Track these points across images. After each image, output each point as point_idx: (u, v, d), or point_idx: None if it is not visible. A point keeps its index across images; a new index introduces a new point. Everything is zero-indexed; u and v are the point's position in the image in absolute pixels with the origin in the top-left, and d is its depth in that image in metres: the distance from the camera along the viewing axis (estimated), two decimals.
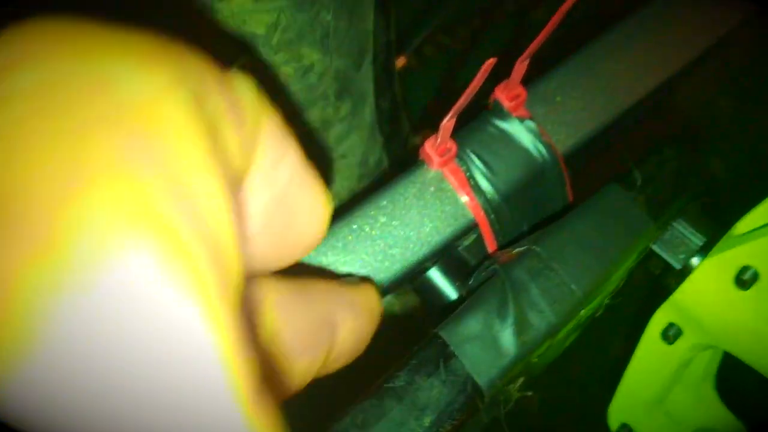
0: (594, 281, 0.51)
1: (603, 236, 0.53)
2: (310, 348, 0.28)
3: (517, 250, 0.53)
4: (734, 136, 1.73)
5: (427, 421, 0.44)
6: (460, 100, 0.54)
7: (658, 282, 0.61)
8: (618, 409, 0.68)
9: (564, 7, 0.56)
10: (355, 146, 0.72)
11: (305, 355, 0.28)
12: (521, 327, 0.48)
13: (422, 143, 0.60)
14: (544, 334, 0.49)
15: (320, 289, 0.31)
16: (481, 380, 0.46)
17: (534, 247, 0.52)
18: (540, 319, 0.49)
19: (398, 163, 0.90)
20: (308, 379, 0.29)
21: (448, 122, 0.56)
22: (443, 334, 0.47)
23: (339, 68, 0.63)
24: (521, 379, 0.54)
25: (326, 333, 0.29)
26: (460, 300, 0.56)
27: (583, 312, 0.51)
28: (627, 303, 0.62)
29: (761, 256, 0.53)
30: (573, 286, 0.51)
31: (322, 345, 0.29)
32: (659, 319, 0.61)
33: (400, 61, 0.88)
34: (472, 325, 0.48)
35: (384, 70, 0.73)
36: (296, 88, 0.61)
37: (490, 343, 0.48)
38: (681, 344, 0.60)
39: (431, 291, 0.62)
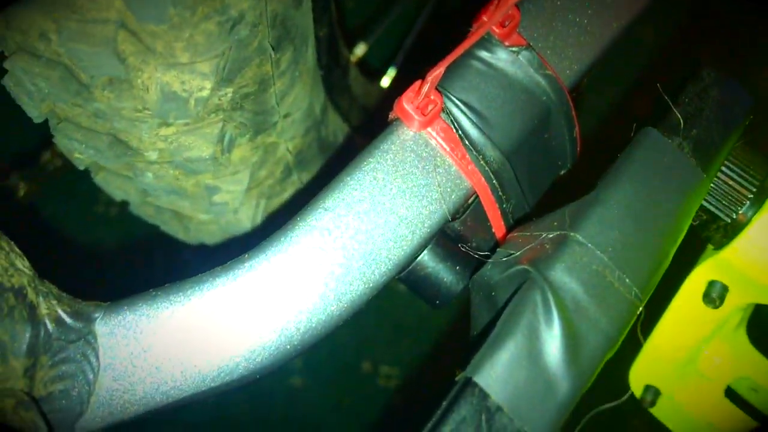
0: (651, 266, 0.40)
1: (653, 202, 0.41)
2: None
3: (549, 234, 0.41)
4: None
5: None
6: (453, 54, 0.40)
7: (698, 233, 0.51)
8: (640, 372, 0.59)
9: None
10: (300, 98, 0.56)
11: None
12: (573, 347, 0.37)
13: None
14: (602, 351, 0.38)
15: None
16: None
17: (572, 233, 0.39)
18: (594, 332, 0.38)
19: (341, 93, 0.74)
20: None
21: (434, 75, 0.42)
22: (478, 379, 0.35)
23: (276, 11, 0.47)
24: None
25: None
26: (489, 318, 0.44)
27: (642, 308, 0.40)
28: None
29: None
30: (627, 281, 0.39)
31: None
32: (698, 278, 0.51)
33: None
34: (511, 360, 0.36)
35: None
36: (222, 47, 0.45)
37: (540, 379, 0.36)
38: (726, 305, 0.51)
39: (425, 281, 0.49)
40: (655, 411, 0.60)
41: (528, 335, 0.37)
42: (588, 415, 0.39)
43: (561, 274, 0.38)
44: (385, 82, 0.94)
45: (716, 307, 0.50)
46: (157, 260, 0.64)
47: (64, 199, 1.00)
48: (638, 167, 0.42)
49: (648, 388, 0.59)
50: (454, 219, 0.50)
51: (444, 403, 0.35)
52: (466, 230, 0.51)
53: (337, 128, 0.70)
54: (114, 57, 0.42)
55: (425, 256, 0.49)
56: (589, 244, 0.39)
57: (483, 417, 0.35)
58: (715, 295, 0.50)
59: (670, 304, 0.54)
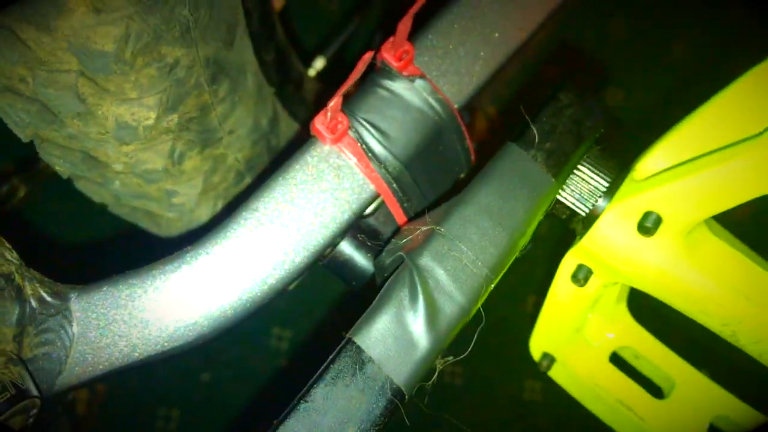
0: (500, 253, 0.51)
1: (506, 203, 0.52)
2: None
3: (423, 228, 0.52)
4: (629, 63, 1.75)
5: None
6: (345, 84, 0.51)
7: (565, 226, 0.61)
8: (538, 342, 0.70)
9: None
10: (243, 117, 0.67)
11: None
12: (432, 316, 0.48)
13: (315, 111, 0.57)
14: (456, 318, 0.49)
15: None
16: (399, 380, 0.46)
17: (438, 228, 0.51)
18: (450, 304, 0.49)
19: (297, 103, 0.85)
20: None
21: (335, 102, 0.53)
22: (356, 339, 0.46)
23: (208, 55, 0.58)
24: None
25: None
26: (371, 283, 0.55)
27: (493, 285, 0.51)
28: (541, 245, 0.63)
29: (664, 201, 0.53)
30: (479, 263, 0.50)
31: None
32: (568, 263, 0.61)
33: (280, 2, 0.81)
34: (383, 324, 0.47)
35: (262, 24, 0.68)
36: (163, 86, 0.56)
37: (404, 339, 0.47)
38: (591, 284, 0.61)
39: (343, 267, 0.61)
40: (551, 374, 0.71)
41: (397, 306, 0.48)
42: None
43: (426, 260, 0.49)
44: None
45: (582, 287, 0.61)
46: (136, 249, 0.76)
47: (59, 199, 1.14)
48: (497, 175, 0.53)
49: (545, 355, 0.70)
50: (368, 216, 0.62)
51: (329, 357, 0.47)
52: (378, 224, 0.62)
53: (291, 133, 0.81)
54: (76, 98, 0.54)
55: (342, 246, 0.61)
56: (450, 236, 0.50)
57: (357, 366, 0.46)
58: (581, 276, 0.61)
59: (551, 284, 0.64)
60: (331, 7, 1.64)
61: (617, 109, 1.77)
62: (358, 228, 0.61)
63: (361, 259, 0.60)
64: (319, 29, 1.47)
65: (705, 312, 0.56)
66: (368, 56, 0.49)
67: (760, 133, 0.49)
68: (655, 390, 0.71)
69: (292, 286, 0.59)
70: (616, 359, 0.72)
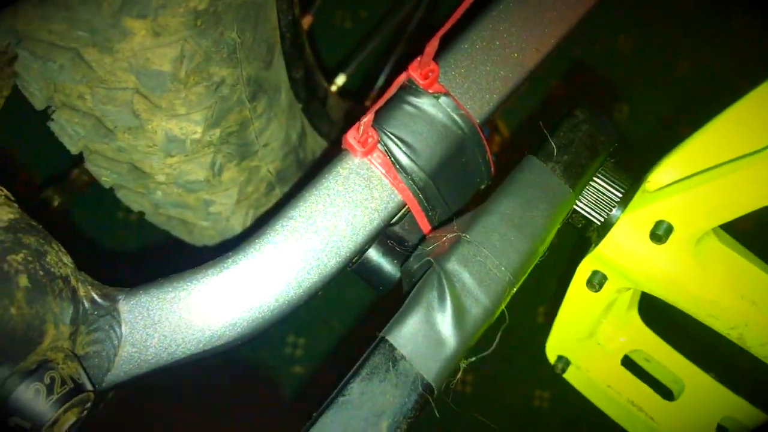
0: (522, 259, 0.55)
1: (527, 212, 0.56)
2: None
3: (449, 235, 0.55)
4: (635, 79, 1.81)
5: (384, 425, 0.48)
6: (379, 101, 0.55)
7: (581, 234, 0.65)
8: (553, 345, 0.73)
9: None
10: (276, 132, 0.71)
11: None
12: (459, 316, 0.51)
13: (347, 127, 0.61)
14: (481, 319, 0.52)
15: None
16: (429, 376, 0.49)
17: (464, 235, 0.54)
18: (476, 306, 0.52)
19: (321, 118, 0.89)
20: None
21: (368, 118, 0.56)
22: (390, 338, 0.50)
23: (250, 74, 0.62)
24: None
25: None
26: (399, 289, 0.59)
27: (516, 288, 0.55)
28: (559, 252, 0.66)
29: (675, 211, 0.57)
30: (503, 268, 0.54)
31: None
32: (584, 269, 0.65)
33: (307, 21, 0.86)
34: (414, 324, 0.50)
35: (293, 45, 0.72)
36: (209, 102, 0.60)
37: (433, 338, 0.50)
38: (606, 289, 0.65)
39: (371, 272, 0.64)
40: (566, 376, 0.74)
41: (427, 307, 0.51)
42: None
43: (453, 265, 0.53)
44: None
45: (597, 292, 0.64)
46: (169, 256, 0.80)
47: (92, 208, 1.18)
48: (518, 186, 0.57)
49: (560, 357, 0.73)
50: (395, 224, 0.66)
51: (364, 355, 0.50)
52: (404, 232, 0.66)
53: (317, 147, 0.85)
54: (131, 113, 0.58)
55: (370, 252, 0.64)
56: (475, 243, 0.54)
57: (390, 363, 0.49)
58: (596, 281, 0.64)
59: (567, 289, 0.68)
60: (345, 25, 1.69)
61: (623, 124, 1.81)
62: (385, 235, 0.65)
63: (387, 265, 0.64)
64: (335, 47, 1.52)
65: (713, 316, 0.59)
66: (403, 77, 0.53)
67: (766, 147, 0.52)
68: (665, 392, 0.74)
69: (320, 292, 0.63)
70: (628, 362, 0.75)
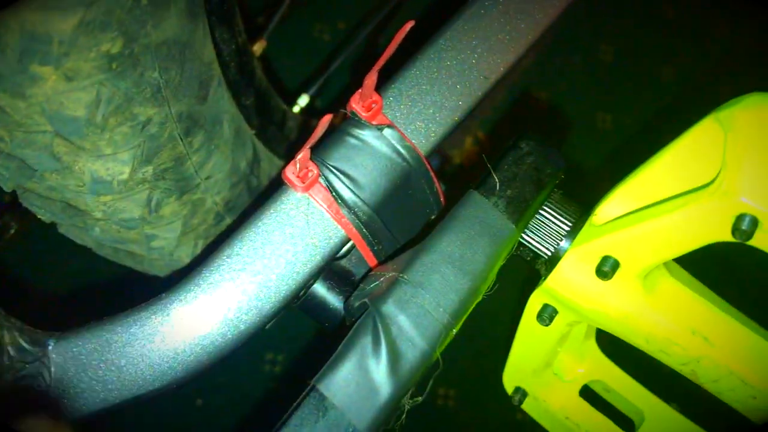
0: (461, 299, 0.53)
1: (467, 250, 0.54)
2: None
3: (388, 275, 0.54)
4: (618, 88, 1.80)
5: None
6: (310, 139, 0.53)
7: (531, 267, 0.63)
8: (510, 377, 0.72)
9: (403, 29, 0.55)
10: (220, 163, 0.70)
11: None
12: (394, 361, 0.50)
13: (287, 163, 0.59)
14: (418, 363, 0.51)
15: None
16: (362, 425, 0.48)
17: (402, 275, 0.52)
18: (412, 350, 0.51)
19: (279, 142, 0.88)
20: None
21: (303, 155, 0.55)
22: (320, 386, 0.48)
23: (181, 111, 0.61)
24: (411, 390, 0.56)
25: None
26: (339, 329, 0.57)
27: (455, 330, 0.53)
28: (509, 285, 0.65)
29: (620, 246, 0.55)
30: (441, 310, 0.52)
31: None
32: (534, 303, 0.63)
33: (260, 46, 0.84)
34: (346, 371, 0.49)
35: (240, 73, 0.70)
36: (137, 141, 0.59)
37: (367, 385, 0.49)
38: (557, 322, 0.63)
39: (316, 308, 0.63)
40: (524, 407, 0.73)
41: (360, 353, 0.50)
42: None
43: (389, 307, 0.51)
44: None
45: (547, 326, 0.63)
46: (127, 284, 0.79)
47: (49, 236, 1.16)
48: (459, 222, 0.55)
49: (517, 389, 0.72)
50: (341, 257, 0.64)
51: (294, 404, 0.48)
52: (351, 266, 0.65)
53: (274, 171, 0.83)
54: (51, 157, 0.56)
55: (316, 287, 0.63)
56: (413, 283, 0.52)
57: (320, 413, 0.48)
58: (545, 315, 0.63)
59: (519, 322, 0.66)
60: (324, 37, 1.68)
61: (607, 132, 1.80)
62: (331, 270, 0.63)
63: (333, 301, 0.62)
64: (312, 59, 1.50)
65: (665, 351, 0.58)
66: (327, 119, 0.52)
67: (708, 184, 0.51)
68: (625, 422, 0.73)
69: (268, 326, 0.61)
70: (587, 392, 0.73)
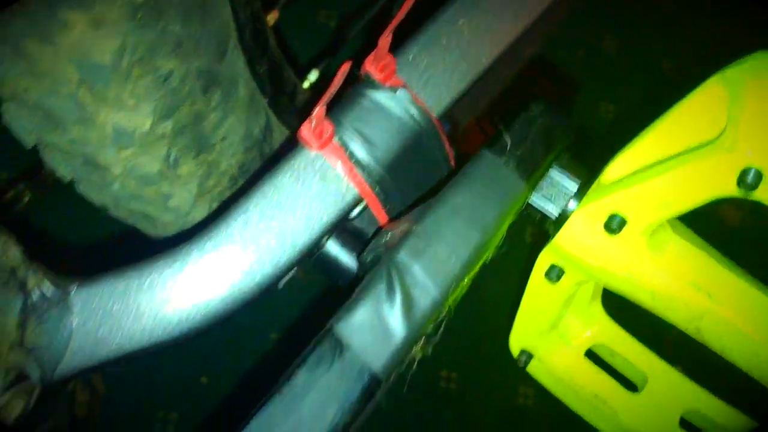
0: (472, 251, 0.55)
1: (479, 205, 0.56)
2: None
3: (401, 228, 0.55)
4: (621, 79, 1.82)
5: (329, 415, 0.48)
6: (327, 93, 0.55)
7: (539, 227, 0.65)
8: (516, 338, 0.73)
9: None
10: (235, 126, 0.71)
11: None
12: (408, 308, 0.51)
13: (302, 120, 0.61)
14: (430, 310, 0.52)
15: None
16: (376, 367, 0.49)
17: (415, 227, 0.54)
18: (425, 297, 0.52)
19: (290, 114, 0.89)
20: None
21: (318, 111, 0.56)
22: (336, 328, 0.50)
23: (200, 67, 0.62)
24: (422, 340, 0.57)
25: None
26: (354, 282, 0.59)
27: (467, 280, 0.55)
28: (518, 247, 0.66)
29: (627, 203, 0.57)
30: (453, 260, 0.54)
31: None
32: (542, 262, 0.65)
33: (273, 16, 0.85)
34: (362, 314, 0.50)
35: (254, 39, 0.72)
36: (158, 95, 0.60)
37: (381, 329, 0.50)
38: (564, 282, 0.65)
39: (329, 265, 0.64)
40: (529, 369, 0.74)
41: (375, 299, 0.51)
42: None
43: (403, 257, 0.53)
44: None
45: (555, 284, 0.64)
46: (135, 249, 0.81)
47: (62, 204, 1.18)
48: (471, 178, 0.57)
49: (522, 351, 0.73)
50: (353, 218, 0.66)
51: (310, 345, 0.50)
52: (363, 225, 0.66)
53: (284, 141, 0.85)
54: (76, 106, 0.58)
55: (328, 246, 0.64)
56: (426, 235, 0.54)
57: (336, 353, 0.49)
58: (553, 274, 0.64)
59: (526, 286, 0.68)
60: (330, 24, 1.70)
61: (611, 123, 1.82)
62: (343, 229, 0.65)
63: (345, 258, 0.64)
64: (319, 43, 1.52)
65: (670, 309, 0.60)
66: (346, 67, 0.53)
67: (714, 140, 0.52)
68: (629, 385, 0.74)
69: (281, 285, 0.63)
70: (592, 355, 0.75)
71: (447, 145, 0.65)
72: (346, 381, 0.49)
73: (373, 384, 0.49)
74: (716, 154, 0.51)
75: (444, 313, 0.56)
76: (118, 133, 0.61)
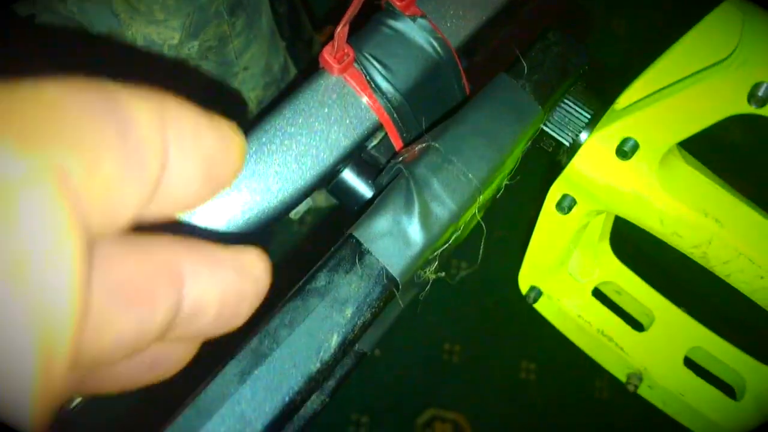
0: (489, 168, 0.56)
1: (496, 125, 0.57)
2: (138, 299, 0.24)
3: (419, 146, 0.57)
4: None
5: (348, 312, 0.49)
6: (350, 9, 0.56)
7: (552, 159, 0.66)
8: (526, 275, 0.75)
9: None
10: (257, 56, 0.73)
11: (133, 308, 0.24)
12: (426, 219, 0.53)
13: (325, 44, 0.62)
14: (447, 222, 0.54)
15: (164, 240, 0.26)
16: (394, 270, 0.51)
17: (434, 143, 0.56)
18: (442, 209, 0.54)
19: (306, 63, 0.91)
20: (149, 336, 0.25)
21: (341, 30, 0.58)
22: (356, 234, 0.51)
23: None
24: (435, 264, 0.59)
25: (164, 283, 0.25)
26: (372, 200, 0.60)
27: (482, 198, 0.56)
28: (529, 181, 0.68)
29: (639, 127, 0.59)
30: (470, 176, 0.55)
31: (157, 297, 0.25)
32: (554, 192, 0.66)
33: None
34: (381, 223, 0.52)
35: None
36: (187, 10, 0.62)
37: (400, 237, 0.52)
38: (575, 212, 0.66)
39: (346, 192, 0.66)
40: (537, 306, 0.76)
41: (394, 209, 0.53)
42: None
43: (422, 170, 0.54)
44: None
45: (566, 214, 0.66)
46: None
47: None
48: (488, 100, 0.58)
49: (532, 288, 0.75)
50: (369, 148, 0.67)
51: (331, 249, 0.52)
52: (380, 154, 0.68)
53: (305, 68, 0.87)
54: (111, 14, 0.59)
55: (345, 173, 0.66)
56: (444, 151, 0.55)
57: (356, 257, 0.51)
58: (565, 204, 0.66)
59: (538, 218, 0.69)
60: None
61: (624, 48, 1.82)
62: (360, 157, 0.66)
63: (362, 185, 0.65)
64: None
65: (678, 234, 0.61)
66: None
67: (726, 58, 0.54)
68: (635, 325, 0.76)
69: (296, 215, 0.64)
70: (599, 295, 0.76)
71: (464, 77, 0.66)
72: (365, 282, 0.50)
73: (391, 286, 0.51)
74: (727, 72, 0.53)
75: (459, 231, 0.58)
76: (148, 46, 0.63)
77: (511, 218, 1.40)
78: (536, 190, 0.73)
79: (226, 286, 0.28)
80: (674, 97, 0.56)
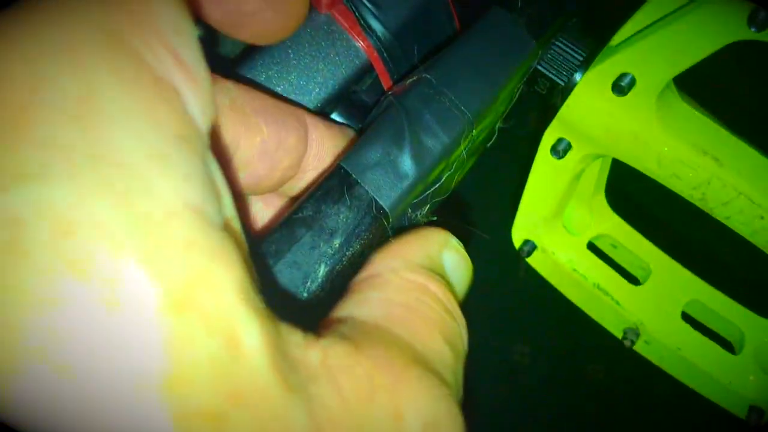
0: (482, 101, 0.54)
1: (489, 58, 0.55)
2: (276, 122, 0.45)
3: (410, 80, 0.55)
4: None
5: (336, 242, 0.47)
6: None
7: (546, 102, 0.65)
8: (520, 227, 0.73)
9: None
10: None
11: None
12: (417, 151, 0.51)
13: None
14: (438, 155, 0.52)
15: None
16: (384, 201, 0.49)
17: (425, 75, 0.54)
18: (434, 142, 0.52)
19: None
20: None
21: None
22: (345, 164, 0.49)
23: None
24: (427, 207, 0.57)
25: (294, 119, 0.48)
26: (362, 131, 0.58)
27: (475, 132, 0.54)
28: (521, 127, 0.66)
29: (636, 61, 0.57)
30: (462, 108, 0.53)
31: (290, 125, 0.47)
32: (549, 136, 0.65)
33: None
34: (371, 154, 0.50)
35: None
36: None
37: (390, 169, 0.50)
38: (571, 157, 0.65)
39: None
40: (531, 261, 0.74)
41: (384, 140, 0.51)
42: None
43: (412, 101, 0.52)
44: None
45: (560, 158, 0.64)
46: None
47: None
48: (482, 33, 0.56)
49: (525, 241, 0.73)
50: (358, 91, 0.65)
51: (319, 180, 0.50)
52: (369, 96, 0.66)
53: None
54: None
55: (333, 116, 0.64)
56: (437, 82, 0.53)
57: (345, 187, 0.49)
58: (560, 148, 0.64)
59: (532, 165, 0.68)
60: None
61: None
62: (349, 101, 0.64)
63: (352, 127, 0.63)
64: None
65: (677, 175, 0.59)
66: None
67: None
68: (631, 279, 0.74)
69: None
70: (594, 249, 0.75)
71: (456, 19, 0.64)
72: (354, 213, 0.48)
73: (380, 218, 0.49)
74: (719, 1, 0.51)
75: (451, 170, 0.56)
76: None
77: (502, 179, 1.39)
78: (527, 147, 0.71)
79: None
80: (671, 27, 0.54)
